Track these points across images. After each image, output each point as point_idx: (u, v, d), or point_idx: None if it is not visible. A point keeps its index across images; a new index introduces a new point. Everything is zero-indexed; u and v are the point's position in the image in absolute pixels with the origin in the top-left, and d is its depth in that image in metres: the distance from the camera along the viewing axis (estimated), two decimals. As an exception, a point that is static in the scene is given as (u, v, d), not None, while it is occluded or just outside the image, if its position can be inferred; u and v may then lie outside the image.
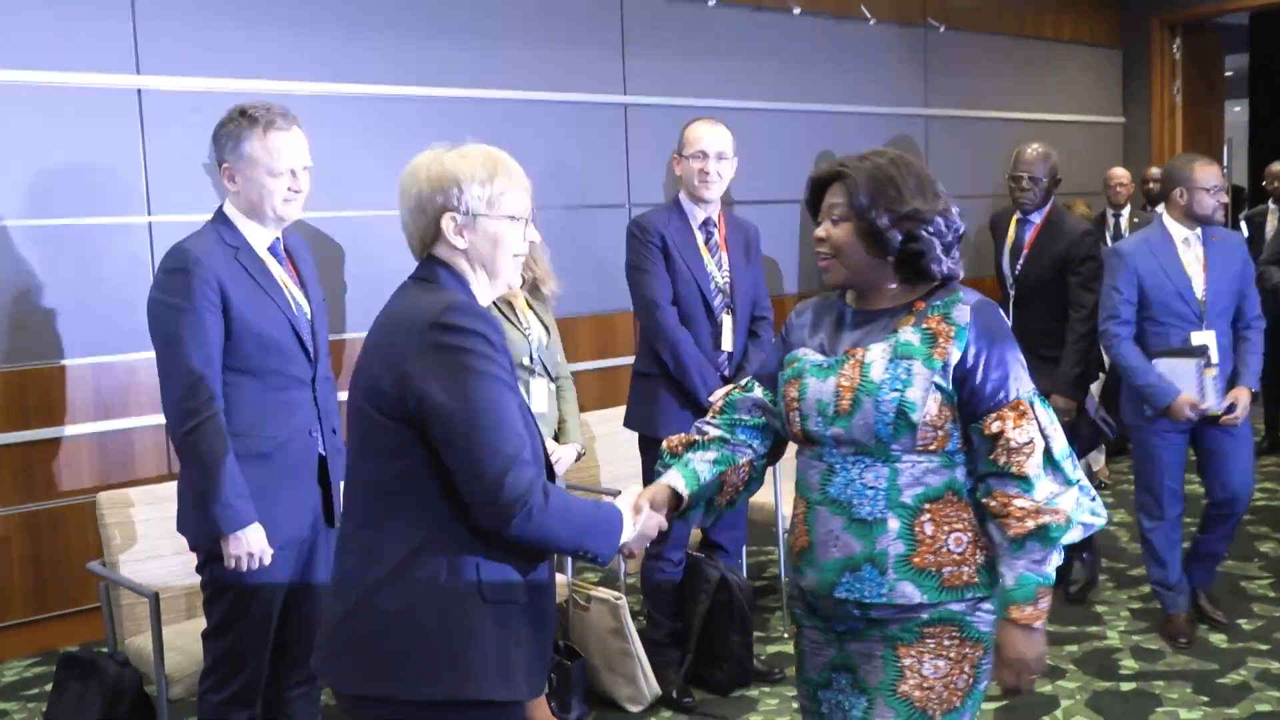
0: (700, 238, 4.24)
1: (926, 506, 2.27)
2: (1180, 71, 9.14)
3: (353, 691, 2.12)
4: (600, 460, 4.95)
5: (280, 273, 3.22)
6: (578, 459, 4.14)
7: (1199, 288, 4.46)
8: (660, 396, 4.19)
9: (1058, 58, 8.81)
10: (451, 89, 5.80)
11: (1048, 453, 2.26)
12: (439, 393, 2.00)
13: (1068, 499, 2.25)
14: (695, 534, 4.36)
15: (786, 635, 4.80)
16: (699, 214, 4.24)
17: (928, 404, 2.23)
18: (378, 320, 2.18)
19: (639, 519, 2.29)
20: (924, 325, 2.29)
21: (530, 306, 3.96)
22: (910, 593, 2.25)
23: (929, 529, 2.26)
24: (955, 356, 2.25)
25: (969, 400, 2.26)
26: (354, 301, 5.51)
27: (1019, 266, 4.98)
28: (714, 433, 2.51)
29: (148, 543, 3.73)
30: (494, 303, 3.79)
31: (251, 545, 3.04)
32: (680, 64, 6.64)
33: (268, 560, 3.07)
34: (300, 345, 3.18)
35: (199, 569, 3.18)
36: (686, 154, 4.18)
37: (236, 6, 5.20)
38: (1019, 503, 2.23)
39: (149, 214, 5.02)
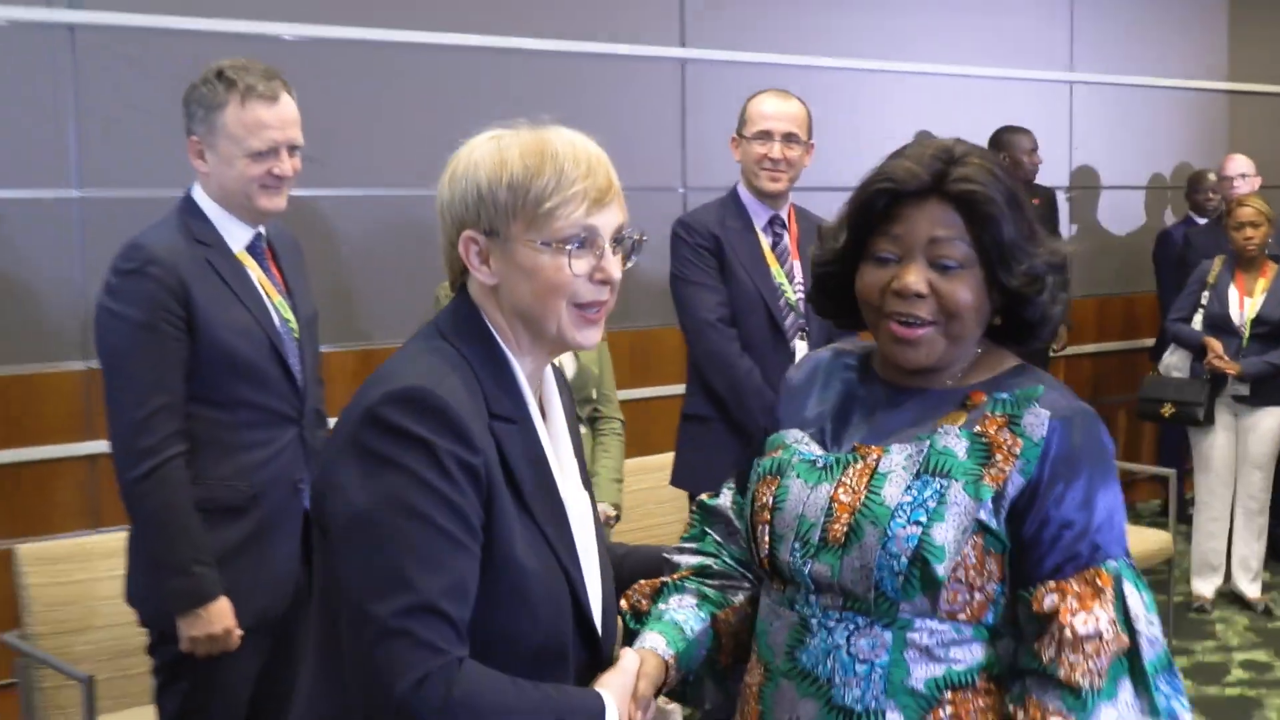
0: (765, 241, 4.22)
1: (948, 696, 1.93)
2: None
3: None
4: (637, 523, 4.82)
5: (262, 278, 3.26)
6: (609, 524, 4.10)
7: None
8: (717, 445, 4.10)
9: (1240, 10, 8.84)
10: (464, 35, 5.87)
11: (1132, 661, 1.90)
12: (342, 513, 1.78)
13: None
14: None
15: None
16: (763, 211, 4.22)
17: (963, 551, 1.90)
18: None
19: (636, 713, 1.95)
20: (978, 429, 1.97)
21: None
22: None
23: None
24: (1017, 485, 1.92)
25: (1024, 553, 1.93)
26: (365, 306, 5.56)
27: None
28: (688, 562, 2.21)
29: (78, 610, 3.81)
30: None
31: (215, 625, 3.07)
32: (753, 10, 6.72)
33: (235, 643, 3.09)
34: (285, 372, 3.22)
35: (150, 650, 3.23)
36: (748, 134, 4.18)
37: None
38: None
39: (77, 187, 5.06)
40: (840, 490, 1.96)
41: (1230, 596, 6.65)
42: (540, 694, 1.80)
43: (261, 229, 3.31)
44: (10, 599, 3.85)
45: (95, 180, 5.10)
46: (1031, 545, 1.91)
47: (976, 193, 1.95)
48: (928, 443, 1.96)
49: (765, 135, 4.14)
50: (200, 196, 3.25)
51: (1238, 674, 5.71)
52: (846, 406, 2.10)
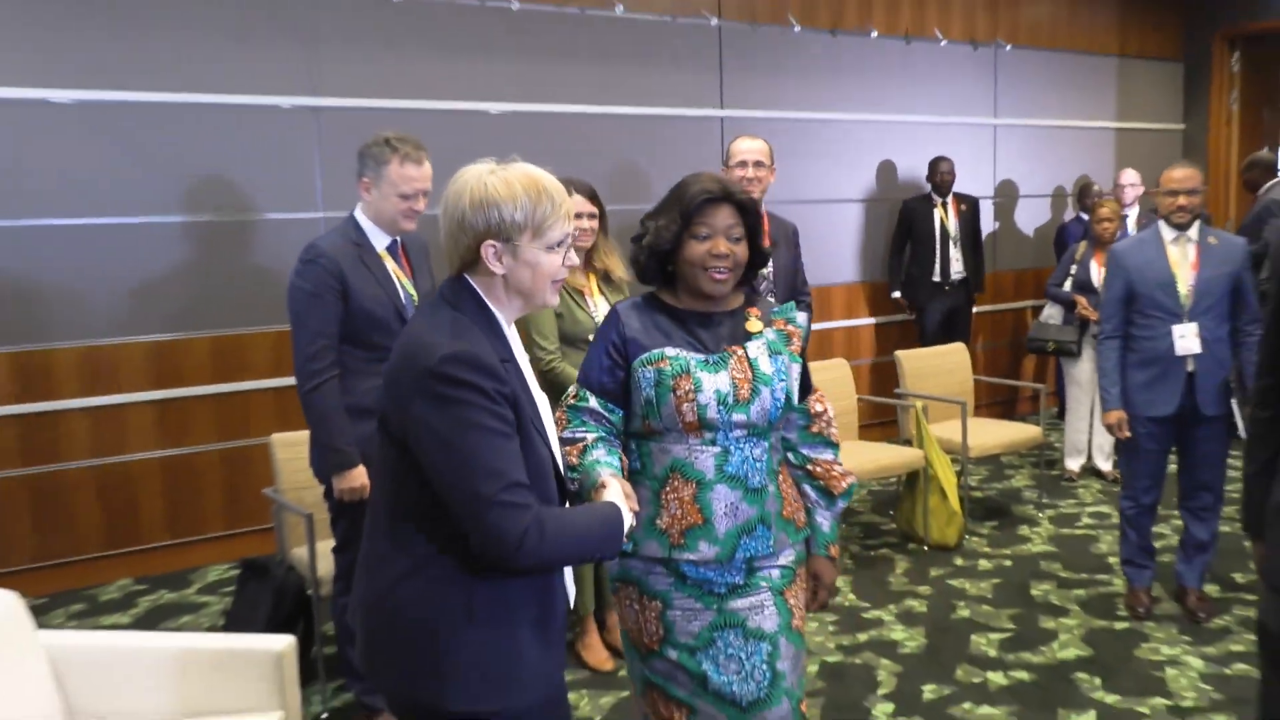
0: None
1: (779, 469, 2.38)
2: (1238, 82, 8.71)
3: (377, 683, 1.97)
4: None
5: (394, 266, 3.30)
6: None
7: (1184, 285, 4.05)
8: None
9: (1123, 71, 8.55)
10: (572, 105, 5.94)
11: None
12: (430, 439, 1.78)
13: None
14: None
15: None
16: None
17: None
18: (400, 337, 1.92)
19: (634, 504, 2.09)
20: (775, 327, 2.38)
21: (601, 291, 3.94)
22: (784, 540, 2.36)
23: (785, 486, 2.39)
24: (800, 351, 2.40)
25: (798, 386, 2.41)
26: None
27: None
28: (592, 435, 2.33)
29: (307, 475, 3.82)
30: (565, 289, 3.70)
31: (355, 482, 3.18)
32: (771, 81, 6.72)
33: (367, 493, 3.15)
34: (404, 324, 3.16)
35: (324, 496, 3.34)
36: (731, 164, 4.19)
37: (390, 39, 5.43)
38: (837, 467, 2.46)
39: (322, 210, 5.26)
40: (734, 372, 2.28)
41: (1090, 471, 6.54)
42: (584, 511, 1.93)
43: (398, 238, 3.34)
44: (270, 468, 3.99)
45: (332, 205, 5.26)
46: (801, 380, 2.41)
47: (747, 201, 2.34)
48: (764, 339, 2.34)
49: (742, 164, 4.15)
50: (359, 215, 3.29)
51: (1087, 521, 5.63)
52: (690, 329, 2.35)
